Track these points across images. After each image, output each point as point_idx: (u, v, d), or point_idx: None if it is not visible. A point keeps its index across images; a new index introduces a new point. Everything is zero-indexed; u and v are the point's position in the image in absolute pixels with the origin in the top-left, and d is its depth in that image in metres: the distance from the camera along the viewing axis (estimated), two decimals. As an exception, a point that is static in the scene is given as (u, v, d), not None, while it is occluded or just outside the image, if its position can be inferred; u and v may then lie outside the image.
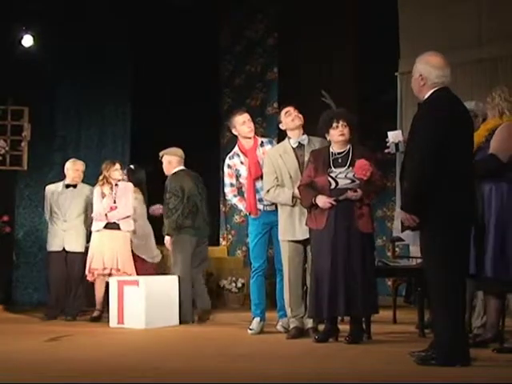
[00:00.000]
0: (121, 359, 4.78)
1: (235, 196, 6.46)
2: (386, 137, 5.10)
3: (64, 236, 7.67)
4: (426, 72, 4.41)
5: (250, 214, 6.28)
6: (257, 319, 6.21)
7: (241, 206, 6.44)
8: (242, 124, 6.36)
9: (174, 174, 7.24)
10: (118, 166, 7.72)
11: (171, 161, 7.25)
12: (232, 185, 6.46)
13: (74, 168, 7.83)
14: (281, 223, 5.87)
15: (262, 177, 6.10)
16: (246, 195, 6.34)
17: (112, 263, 7.49)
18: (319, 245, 5.44)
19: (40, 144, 9.38)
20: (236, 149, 6.43)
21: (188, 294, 7.10)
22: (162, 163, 7.30)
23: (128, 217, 7.62)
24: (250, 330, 6.16)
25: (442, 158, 4.22)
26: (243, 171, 6.35)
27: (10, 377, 3.99)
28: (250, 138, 6.37)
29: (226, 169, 6.49)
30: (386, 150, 5.12)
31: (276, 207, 6.05)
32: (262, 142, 6.41)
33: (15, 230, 9.43)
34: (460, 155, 4.32)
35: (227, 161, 6.47)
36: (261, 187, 6.13)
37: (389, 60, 9.49)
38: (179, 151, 7.32)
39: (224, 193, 6.78)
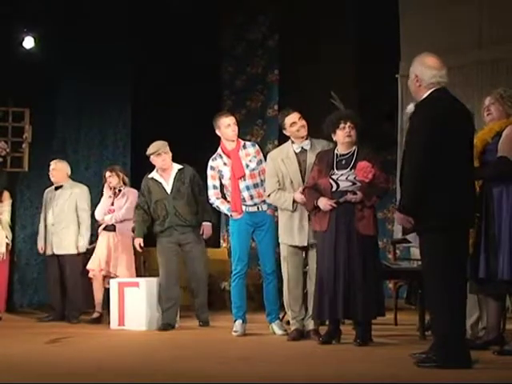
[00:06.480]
0: (121, 361, 4.78)
1: (218, 198, 6.45)
2: (387, 135, 5.07)
3: (52, 239, 7.59)
4: (421, 73, 4.41)
5: (232, 215, 6.30)
6: (239, 321, 6.25)
7: (223, 207, 6.43)
8: (226, 127, 6.35)
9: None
10: (108, 173, 7.72)
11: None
12: (215, 187, 6.46)
13: (51, 168, 7.79)
14: (281, 226, 5.91)
15: (244, 177, 6.19)
16: (230, 195, 6.36)
17: (106, 265, 7.50)
18: (322, 247, 5.47)
19: (41, 145, 9.37)
20: (219, 150, 6.44)
21: None
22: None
23: (125, 220, 7.54)
24: (235, 332, 6.19)
25: (438, 158, 4.19)
26: (226, 172, 6.36)
27: (10, 378, 3.99)
28: (233, 140, 6.39)
29: (208, 171, 6.47)
30: None
31: (258, 208, 6.21)
32: (245, 144, 6.45)
33: (16, 232, 9.42)
34: (458, 155, 4.29)
35: (210, 163, 6.46)
36: (244, 187, 6.20)
37: (389, 61, 9.48)
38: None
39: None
